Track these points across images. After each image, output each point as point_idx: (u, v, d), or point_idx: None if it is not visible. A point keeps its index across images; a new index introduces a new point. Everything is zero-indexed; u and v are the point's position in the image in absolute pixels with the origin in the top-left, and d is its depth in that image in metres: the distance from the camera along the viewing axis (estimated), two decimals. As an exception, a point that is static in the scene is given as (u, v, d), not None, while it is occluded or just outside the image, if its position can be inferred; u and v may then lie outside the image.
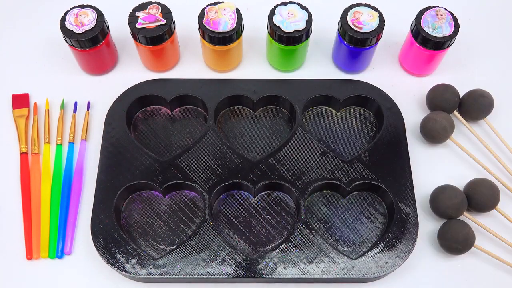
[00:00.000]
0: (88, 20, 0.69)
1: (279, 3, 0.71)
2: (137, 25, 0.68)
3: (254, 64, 0.77)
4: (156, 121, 0.72)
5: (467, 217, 0.66)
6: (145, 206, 0.66)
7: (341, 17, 0.70)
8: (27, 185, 0.67)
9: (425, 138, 0.70)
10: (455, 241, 0.62)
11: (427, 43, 0.70)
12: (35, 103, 0.73)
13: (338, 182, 0.66)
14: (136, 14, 0.69)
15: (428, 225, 0.67)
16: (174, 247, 0.63)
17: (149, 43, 0.69)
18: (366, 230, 0.65)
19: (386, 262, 0.61)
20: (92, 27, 0.68)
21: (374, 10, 0.70)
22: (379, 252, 0.62)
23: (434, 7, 0.71)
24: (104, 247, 0.62)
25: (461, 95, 0.72)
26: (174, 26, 0.71)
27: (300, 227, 0.63)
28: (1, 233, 0.65)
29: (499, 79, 0.76)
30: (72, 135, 0.70)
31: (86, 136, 0.71)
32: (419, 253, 0.65)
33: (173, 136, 0.71)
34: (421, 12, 0.70)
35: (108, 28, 0.71)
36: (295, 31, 0.69)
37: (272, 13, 0.70)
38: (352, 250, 0.64)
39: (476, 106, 0.70)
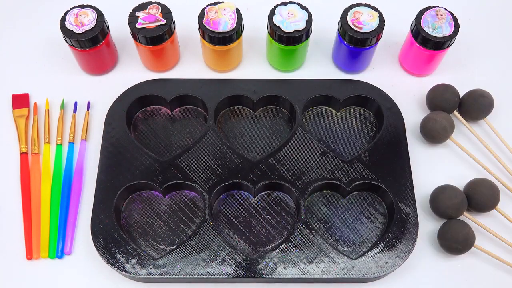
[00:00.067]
0: (88, 20, 0.69)
1: (279, 3, 0.71)
2: (137, 25, 0.68)
3: (254, 64, 0.77)
4: (156, 121, 0.72)
5: (467, 217, 0.66)
6: (145, 206, 0.66)
7: (341, 17, 0.70)
8: (27, 185, 0.67)
9: (425, 138, 0.70)
10: (455, 241, 0.62)
11: (427, 43, 0.70)
12: (35, 103, 0.72)
13: (338, 182, 0.66)
14: (136, 14, 0.69)
15: (428, 225, 0.67)
16: (174, 247, 0.63)
17: (149, 43, 0.69)
18: (366, 230, 0.65)
19: (386, 262, 0.61)
20: (92, 27, 0.68)
21: (374, 10, 0.70)
22: (379, 252, 0.62)
23: (434, 7, 0.71)
24: (104, 247, 0.62)
25: (461, 95, 0.72)
26: (174, 26, 0.71)
27: (300, 227, 0.63)
28: (1, 233, 0.65)
29: (499, 79, 0.76)
30: (72, 135, 0.70)
31: (86, 136, 0.71)
32: (419, 253, 0.65)
33: (173, 136, 0.71)
34: (421, 12, 0.70)
35: (108, 28, 0.71)
36: (295, 31, 0.69)
37: (272, 13, 0.70)
38: (352, 250, 0.64)
39: (476, 106, 0.70)
